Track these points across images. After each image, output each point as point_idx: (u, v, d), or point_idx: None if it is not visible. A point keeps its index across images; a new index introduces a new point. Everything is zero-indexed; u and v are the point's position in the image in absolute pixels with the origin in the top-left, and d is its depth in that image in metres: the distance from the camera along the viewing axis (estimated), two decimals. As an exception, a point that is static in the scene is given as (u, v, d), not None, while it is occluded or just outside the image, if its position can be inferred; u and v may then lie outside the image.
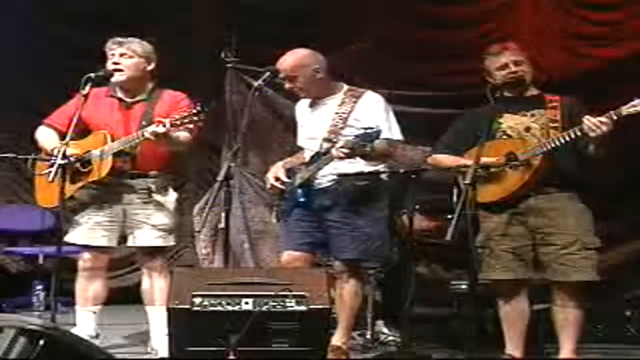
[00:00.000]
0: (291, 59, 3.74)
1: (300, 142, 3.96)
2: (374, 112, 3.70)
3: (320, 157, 3.67)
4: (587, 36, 5.37)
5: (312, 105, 3.88)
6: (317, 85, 3.78)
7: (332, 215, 3.69)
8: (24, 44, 5.91)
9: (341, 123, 3.71)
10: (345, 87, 3.85)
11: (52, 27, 5.98)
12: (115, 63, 3.79)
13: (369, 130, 3.44)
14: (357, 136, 3.45)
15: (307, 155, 3.83)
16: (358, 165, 3.65)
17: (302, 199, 3.71)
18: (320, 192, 3.71)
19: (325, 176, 3.69)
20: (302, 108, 3.94)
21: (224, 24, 5.91)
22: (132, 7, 5.78)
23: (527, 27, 5.38)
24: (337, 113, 3.75)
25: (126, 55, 3.81)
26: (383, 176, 3.77)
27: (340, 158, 3.51)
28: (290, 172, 3.82)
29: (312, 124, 3.85)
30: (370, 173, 3.71)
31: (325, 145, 3.69)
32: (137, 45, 3.84)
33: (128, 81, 3.82)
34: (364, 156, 3.57)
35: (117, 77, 3.79)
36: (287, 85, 3.77)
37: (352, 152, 3.46)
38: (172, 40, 5.79)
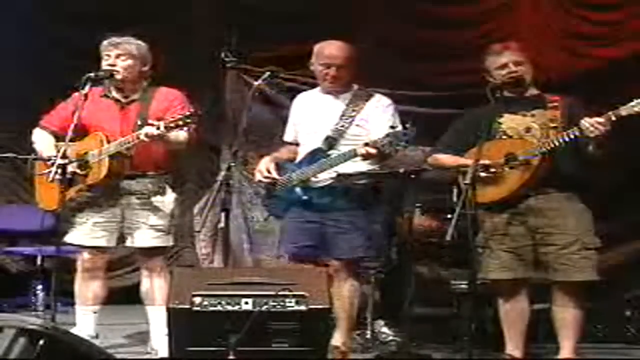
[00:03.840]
0: (347, 49, 3.71)
1: (295, 137, 3.89)
2: (383, 116, 3.68)
3: (320, 155, 3.63)
4: (587, 36, 5.37)
5: (317, 100, 3.83)
6: (347, 82, 3.74)
7: (332, 215, 3.65)
8: (24, 44, 5.91)
9: (348, 122, 3.68)
10: (355, 86, 3.82)
11: (52, 27, 5.97)
12: (111, 65, 3.79)
13: (399, 132, 3.39)
14: (387, 135, 3.41)
15: (302, 151, 3.79)
16: (358, 165, 3.61)
17: (303, 197, 3.67)
18: (319, 191, 3.67)
19: (324, 175, 3.65)
20: (303, 102, 3.87)
21: (224, 24, 5.91)
22: (132, 7, 5.78)
23: (527, 27, 5.37)
24: (344, 111, 3.71)
25: (122, 57, 3.80)
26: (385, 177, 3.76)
27: (365, 157, 3.47)
28: (278, 167, 3.77)
29: (315, 119, 3.78)
30: (370, 173, 3.68)
31: (327, 142, 3.65)
32: (133, 46, 3.83)
33: (122, 82, 3.82)
34: (384, 158, 3.55)
35: (112, 78, 3.79)
36: (332, 72, 3.66)
37: (379, 152, 3.43)
38: (172, 40, 5.80)
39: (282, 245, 3.89)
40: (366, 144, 3.46)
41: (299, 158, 3.80)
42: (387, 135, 3.41)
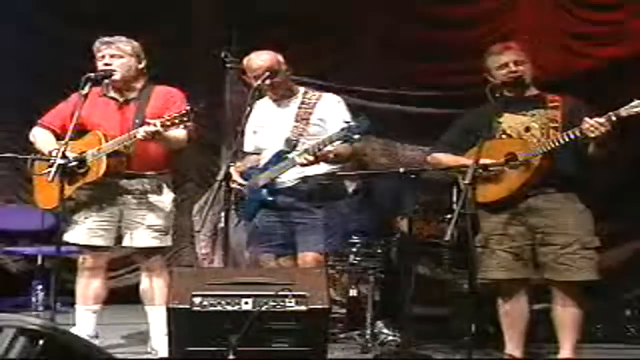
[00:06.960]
0: (269, 56, 3.79)
1: (256, 146, 3.95)
2: (337, 112, 3.77)
3: (283, 156, 3.71)
4: (587, 36, 5.37)
5: (271, 107, 3.91)
6: (286, 85, 3.84)
7: (298, 213, 3.76)
8: (24, 44, 5.91)
9: (304, 123, 3.78)
10: (302, 89, 3.92)
11: (51, 27, 5.98)
12: (106, 64, 3.79)
13: (352, 125, 3.46)
14: (342, 130, 3.47)
15: (266, 155, 3.85)
16: (320, 167, 3.71)
17: (269, 198, 3.76)
18: (285, 191, 3.76)
19: (289, 176, 3.73)
20: (261, 110, 3.93)
21: (223, 24, 5.91)
22: (132, 7, 5.78)
23: (527, 27, 5.37)
24: (298, 114, 3.81)
25: (116, 56, 3.80)
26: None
27: (305, 165, 3.54)
28: (244, 175, 3.82)
29: (274, 125, 3.87)
30: (333, 173, 3.79)
31: (289, 144, 3.75)
32: (126, 44, 3.83)
33: (121, 81, 3.81)
34: (337, 157, 3.64)
35: (110, 78, 3.78)
36: (266, 82, 3.71)
37: (318, 157, 3.52)
38: (172, 40, 5.80)
39: (251, 247, 4.00)
40: (305, 150, 3.55)
41: (263, 162, 3.87)
42: (342, 129, 3.48)
